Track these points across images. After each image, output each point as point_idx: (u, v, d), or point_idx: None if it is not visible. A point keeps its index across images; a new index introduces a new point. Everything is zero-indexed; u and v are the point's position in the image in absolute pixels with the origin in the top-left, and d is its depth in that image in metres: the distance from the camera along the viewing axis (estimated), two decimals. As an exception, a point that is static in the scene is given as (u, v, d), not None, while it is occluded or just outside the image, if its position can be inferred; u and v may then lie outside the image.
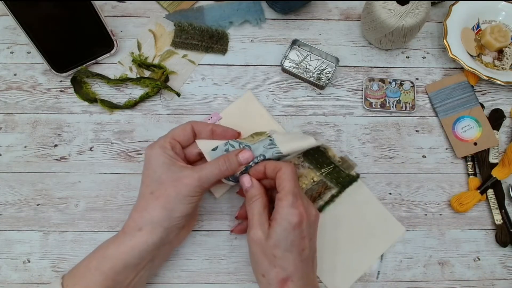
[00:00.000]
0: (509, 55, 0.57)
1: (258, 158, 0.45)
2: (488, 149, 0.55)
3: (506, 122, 0.56)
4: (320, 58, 0.57)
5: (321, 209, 0.50)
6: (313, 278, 0.43)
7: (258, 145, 0.45)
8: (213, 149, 0.45)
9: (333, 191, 0.51)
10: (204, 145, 0.46)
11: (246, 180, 0.44)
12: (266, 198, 0.44)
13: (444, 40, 0.57)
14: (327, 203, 0.51)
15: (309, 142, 0.47)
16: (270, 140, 0.46)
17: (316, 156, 0.51)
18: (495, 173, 0.53)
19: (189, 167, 0.43)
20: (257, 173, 0.45)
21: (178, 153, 0.44)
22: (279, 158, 0.46)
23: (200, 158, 0.47)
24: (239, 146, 0.45)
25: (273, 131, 0.48)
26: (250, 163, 0.45)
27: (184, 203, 0.41)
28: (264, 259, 0.40)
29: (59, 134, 0.54)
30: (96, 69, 0.56)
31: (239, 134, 0.48)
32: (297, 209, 0.40)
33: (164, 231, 0.41)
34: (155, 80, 0.54)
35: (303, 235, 0.41)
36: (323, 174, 0.51)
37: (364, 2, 0.56)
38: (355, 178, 0.51)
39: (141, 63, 0.56)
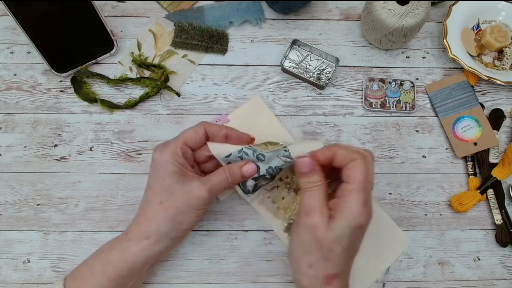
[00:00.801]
0: (509, 55, 0.57)
1: (274, 170, 0.44)
2: (488, 149, 0.55)
3: (506, 122, 0.56)
4: (320, 58, 0.57)
5: None
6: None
7: (272, 154, 0.44)
8: (227, 156, 0.44)
9: None
10: (217, 151, 0.44)
11: (307, 163, 0.39)
12: (327, 188, 0.40)
13: (444, 40, 0.57)
14: None
15: (316, 145, 0.45)
16: (285, 151, 0.44)
17: None
18: (495, 173, 0.53)
19: (197, 178, 0.42)
20: (323, 158, 0.40)
21: (188, 159, 0.43)
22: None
23: (210, 159, 0.46)
24: (253, 154, 0.44)
25: (287, 143, 0.45)
26: (265, 174, 0.44)
27: (192, 215, 0.41)
28: (317, 250, 0.37)
29: (59, 134, 0.54)
30: (96, 69, 0.56)
31: (253, 139, 0.47)
32: (367, 210, 0.37)
33: (170, 240, 0.41)
34: (155, 80, 0.54)
35: (363, 237, 0.39)
36: None
37: (364, 2, 0.56)
38: None
39: (141, 63, 0.56)
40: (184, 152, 0.42)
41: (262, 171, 0.44)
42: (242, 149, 0.44)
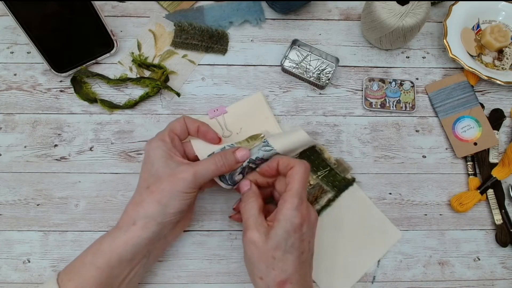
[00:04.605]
0: (509, 55, 0.57)
1: (256, 161, 0.45)
2: (488, 149, 0.55)
3: (506, 122, 0.56)
4: (320, 58, 0.57)
5: (318, 213, 0.50)
6: (309, 281, 0.42)
7: (254, 150, 0.46)
8: (209, 155, 0.45)
9: (330, 195, 0.51)
10: (200, 150, 0.45)
11: (245, 184, 0.45)
12: (261, 201, 0.44)
13: (444, 40, 0.57)
14: (324, 207, 0.51)
15: (300, 135, 0.47)
16: (264, 142, 0.46)
17: (312, 158, 0.51)
18: (495, 173, 0.53)
19: (185, 162, 0.43)
20: (269, 170, 0.45)
21: (176, 146, 0.44)
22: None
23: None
24: None
25: (267, 134, 0.47)
26: (248, 163, 0.45)
27: (178, 199, 0.41)
28: (262, 262, 0.40)
29: (59, 134, 0.54)
30: (96, 69, 0.56)
31: (219, 139, 0.47)
32: (300, 212, 0.40)
33: (158, 225, 0.41)
34: (155, 80, 0.54)
35: (303, 238, 0.41)
36: (319, 177, 0.51)
37: (364, 2, 0.56)
38: (350, 181, 0.51)
39: (141, 63, 0.56)
40: (172, 138, 0.44)
41: (244, 163, 0.45)
42: (224, 147, 0.46)
